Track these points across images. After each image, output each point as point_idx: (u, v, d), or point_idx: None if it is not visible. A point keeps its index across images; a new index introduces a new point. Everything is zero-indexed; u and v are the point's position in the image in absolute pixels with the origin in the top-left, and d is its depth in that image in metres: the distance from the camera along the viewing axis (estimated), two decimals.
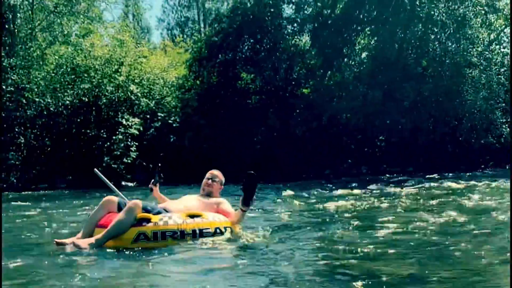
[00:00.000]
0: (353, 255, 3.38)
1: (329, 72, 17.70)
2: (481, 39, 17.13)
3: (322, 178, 15.28)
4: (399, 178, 13.30)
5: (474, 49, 16.80)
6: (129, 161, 16.47)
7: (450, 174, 13.52)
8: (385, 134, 17.59)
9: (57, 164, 16.40)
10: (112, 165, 15.99)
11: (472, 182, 9.82)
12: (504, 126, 17.35)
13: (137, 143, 16.67)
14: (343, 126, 17.74)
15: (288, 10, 18.30)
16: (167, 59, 19.26)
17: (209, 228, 4.06)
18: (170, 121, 18.15)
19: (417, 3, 16.76)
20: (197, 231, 3.99)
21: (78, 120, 16.65)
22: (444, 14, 16.57)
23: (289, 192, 9.29)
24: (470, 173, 13.96)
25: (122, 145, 16.36)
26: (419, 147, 17.07)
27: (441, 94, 16.72)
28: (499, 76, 17.21)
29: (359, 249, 3.48)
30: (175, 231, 3.90)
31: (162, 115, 18.22)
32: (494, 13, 17.11)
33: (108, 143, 16.26)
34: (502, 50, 17.65)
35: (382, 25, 16.70)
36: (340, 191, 9.04)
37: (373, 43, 17.63)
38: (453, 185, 9.33)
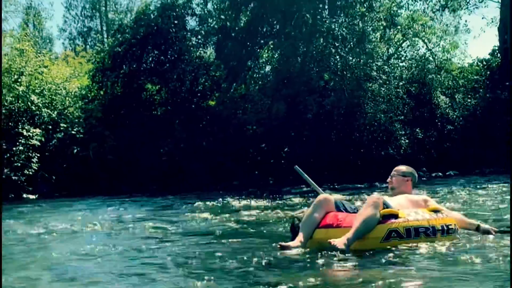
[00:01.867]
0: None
1: (234, 84, 17.75)
2: (380, 54, 17.61)
3: (231, 189, 15.33)
4: (304, 189, 13.52)
5: (374, 63, 17.25)
6: (30, 173, 15.92)
7: (353, 185, 13.89)
8: (290, 146, 17.82)
9: None
10: (13, 177, 15.42)
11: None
12: (403, 138, 17.91)
13: (38, 154, 16.19)
14: (249, 138, 17.85)
15: (192, 22, 18.17)
16: (69, 69, 18.79)
17: (451, 225, 3.74)
18: (73, 132, 17.69)
19: (318, 17, 17.02)
20: (445, 228, 3.67)
21: None
22: (344, 29, 16.91)
23: (199, 203, 9.11)
24: (370, 184, 14.32)
25: (23, 156, 15.88)
26: (323, 159, 17.36)
27: (342, 107, 17.09)
28: (398, 90, 17.78)
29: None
30: (427, 227, 3.57)
31: (65, 125, 17.72)
32: (392, 28, 17.64)
33: (8, 154, 15.64)
34: (400, 64, 18.21)
35: (285, 39, 16.85)
36: (247, 202, 9.06)
37: (276, 57, 17.78)
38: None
